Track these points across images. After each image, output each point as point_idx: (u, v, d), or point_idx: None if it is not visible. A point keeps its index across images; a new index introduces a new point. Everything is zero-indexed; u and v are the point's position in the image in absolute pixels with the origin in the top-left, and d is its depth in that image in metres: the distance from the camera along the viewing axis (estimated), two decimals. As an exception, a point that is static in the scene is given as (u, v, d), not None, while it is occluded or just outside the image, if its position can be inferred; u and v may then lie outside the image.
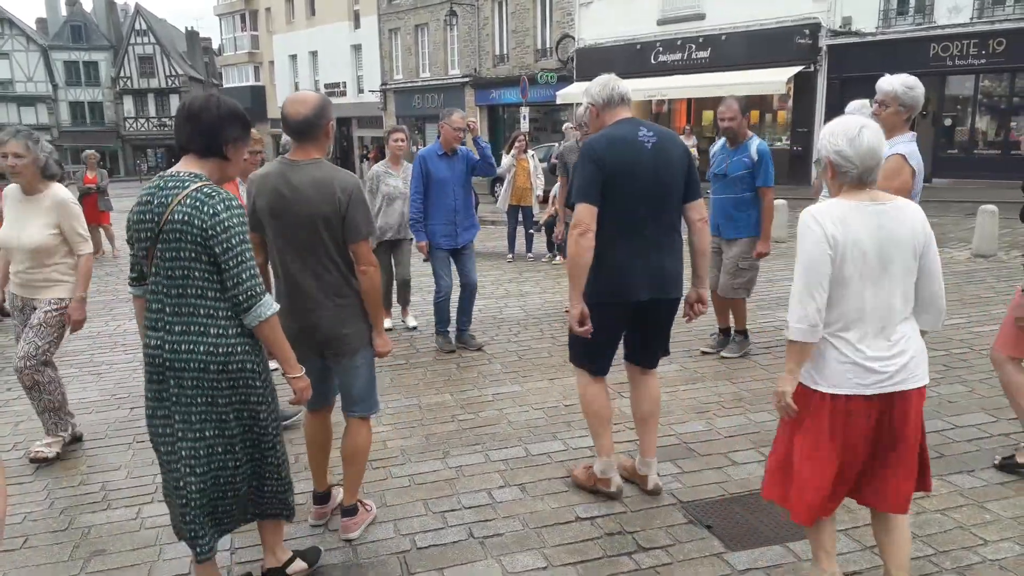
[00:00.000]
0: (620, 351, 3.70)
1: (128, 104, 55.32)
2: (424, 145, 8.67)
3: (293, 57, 40.96)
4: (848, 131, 2.50)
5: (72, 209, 4.23)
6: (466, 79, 30.83)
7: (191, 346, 2.57)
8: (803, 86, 20.57)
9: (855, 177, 2.52)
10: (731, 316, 5.94)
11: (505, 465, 4.09)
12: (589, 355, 3.62)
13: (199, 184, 2.54)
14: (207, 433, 2.65)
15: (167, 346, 2.58)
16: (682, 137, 22.28)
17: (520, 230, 11.21)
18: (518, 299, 8.25)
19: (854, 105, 5.30)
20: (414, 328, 7.05)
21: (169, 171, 2.63)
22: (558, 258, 10.27)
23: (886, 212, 2.50)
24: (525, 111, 23.76)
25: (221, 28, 48.68)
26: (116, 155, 54.31)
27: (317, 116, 3.04)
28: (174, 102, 54.78)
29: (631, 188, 3.33)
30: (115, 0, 59.81)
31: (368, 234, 3.12)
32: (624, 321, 3.55)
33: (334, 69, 38.37)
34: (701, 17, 22.45)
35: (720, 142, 5.78)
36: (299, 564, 3.09)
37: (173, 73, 55.26)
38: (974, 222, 10.14)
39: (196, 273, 2.55)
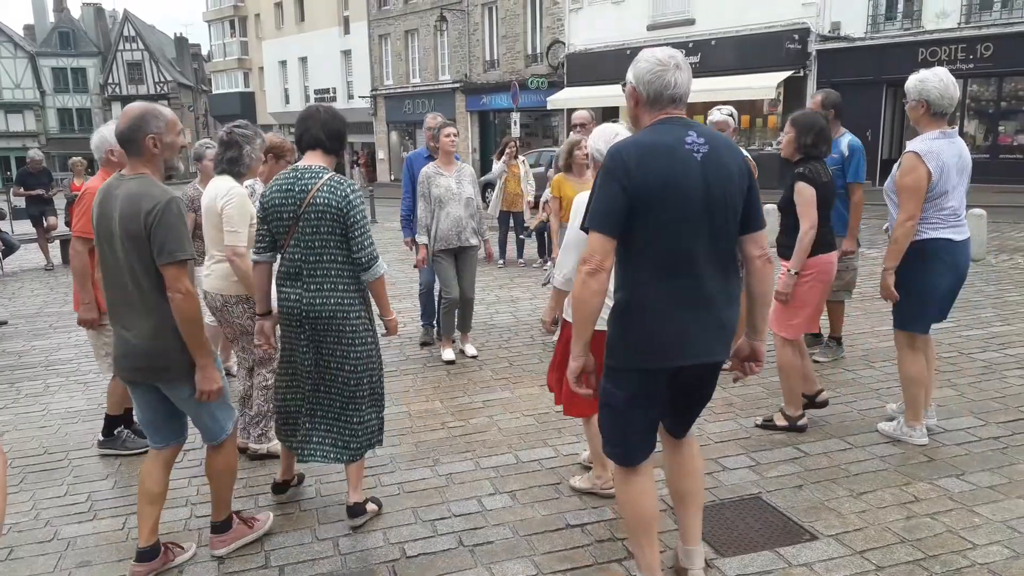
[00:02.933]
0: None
1: (116, 111, 54.72)
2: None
3: (283, 63, 40.91)
4: (606, 135, 3.39)
5: None
6: (456, 85, 30.86)
7: (324, 299, 3.33)
8: (793, 91, 20.67)
9: None
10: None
11: (495, 472, 4.07)
12: (618, 437, 2.74)
13: (330, 174, 3.32)
14: (321, 363, 3.44)
15: (304, 300, 3.34)
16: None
17: (511, 236, 11.22)
18: (509, 305, 8.24)
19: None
20: (474, 357, 6.25)
21: (301, 164, 3.39)
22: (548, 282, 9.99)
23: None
24: (516, 117, 23.76)
25: (210, 34, 48.53)
26: (105, 162, 53.98)
27: (132, 129, 2.91)
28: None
29: (673, 216, 2.47)
30: (103, 6, 59.67)
31: (176, 257, 2.82)
32: (663, 388, 2.67)
33: (324, 75, 38.34)
34: (691, 22, 22.55)
35: None
36: (372, 505, 3.62)
37: (162, 79, 55.04)
38: (962, 226, 10.17)
39: (332, 244, 3.29)
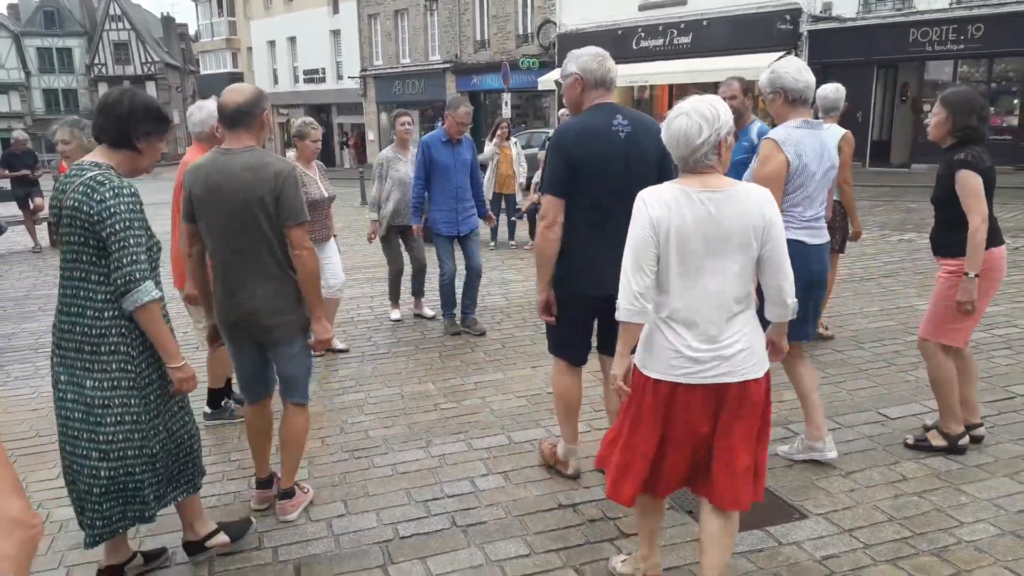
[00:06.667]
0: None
1: (103, 91, 54.13)
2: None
3: (271, 43, 40.48)
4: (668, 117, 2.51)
5: None
6: (447, 65, 30.63)
7: (71, 325, 2.69)
8: (784, 72, 20.61)
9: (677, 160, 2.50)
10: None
11: (488, 453, 4.09)
12: (561, 345, 3.67)
13: (94, 172, 2.62)
14: (84, 401, 2.71)
15: (57, 323, 2.75)
16: (663, 124, 22.45)
17: (503, 218, 11.19)
18: (500, 287, 8.24)
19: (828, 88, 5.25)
20: (432, 318, 6.92)
21: (79, 160, 2.75)
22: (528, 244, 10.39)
23: (715, 200, 2.38)
24: (507, 97, 23.63)
25: (198, 14, 48.01)
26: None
27: (252, 105, 3.14)
28: (150, 89, 54.00)
29: (599, 181, 3.27)
30: (89, -15, 58.86)
31: (302, 219, 3.13)
32: (593, 314, 3.52)
33: (313, 55, 37.98)
34: (683, 2, 22.43)
35: None
36: (221, 537, 3.19)
37: (149, 60, 54.47)
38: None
39: (84, 257, 2.66)
